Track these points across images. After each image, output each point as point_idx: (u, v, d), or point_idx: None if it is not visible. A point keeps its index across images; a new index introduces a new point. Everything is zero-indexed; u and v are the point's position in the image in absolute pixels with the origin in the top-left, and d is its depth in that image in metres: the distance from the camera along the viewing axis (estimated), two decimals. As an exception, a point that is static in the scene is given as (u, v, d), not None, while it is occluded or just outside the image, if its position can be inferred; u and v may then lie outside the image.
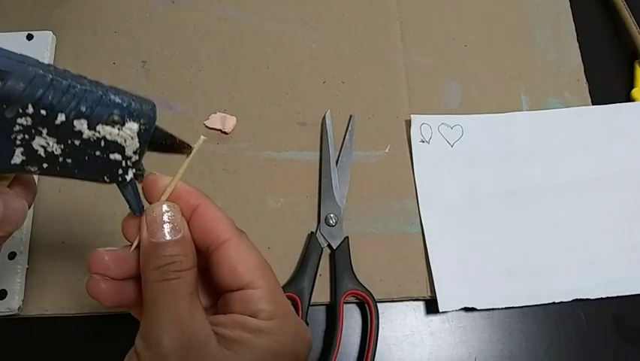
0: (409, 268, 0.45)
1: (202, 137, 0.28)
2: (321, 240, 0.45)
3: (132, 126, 0.25)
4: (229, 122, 0.48)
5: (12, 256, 0.43)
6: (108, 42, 0.51)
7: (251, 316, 0.27)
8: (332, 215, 0.45)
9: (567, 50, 0.53)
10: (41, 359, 0.42)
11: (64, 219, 0.45)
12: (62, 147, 0.24)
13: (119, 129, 0.25)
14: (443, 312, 0.44)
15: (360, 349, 0.43)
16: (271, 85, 0.50)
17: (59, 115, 0.23)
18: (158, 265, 0.26)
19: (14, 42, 0.48)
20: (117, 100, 0.25)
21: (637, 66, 0.53)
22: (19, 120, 0.23)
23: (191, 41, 0.52)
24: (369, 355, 0.42)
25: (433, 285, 0.44)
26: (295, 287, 0.43)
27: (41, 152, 0.24)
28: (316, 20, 0.53)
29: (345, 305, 0.44)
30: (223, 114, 0.49)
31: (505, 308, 0.45)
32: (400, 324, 0.44)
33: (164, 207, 0.27)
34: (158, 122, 0.27)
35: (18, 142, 0.24)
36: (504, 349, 0.44)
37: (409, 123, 0.49)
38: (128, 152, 0.26)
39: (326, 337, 0.44)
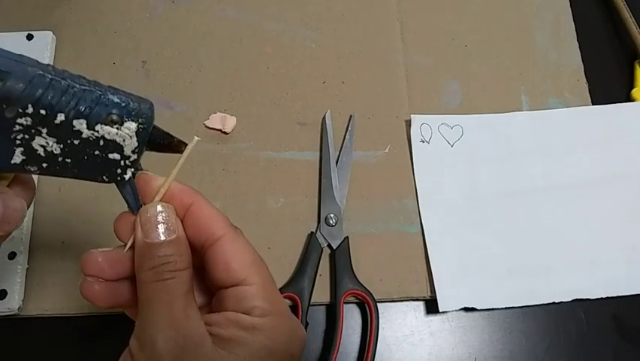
0: (409, 268, 0.45)
1: (195, 137, 0.28)
2: (321, 240, 0.45)
3: (130, 126, 0.25)
4: (229, 122, 0.48)
5: (12, 256, 0.43)
6: (108, 42, 0.51)
7: (245, 313, 0.27)
8: (332, 215, 0.45)
9: (567, 50, 0.53)
10: (41, 359, 0.42)
11: (64, 219, 0.45)
12: (62, 146, 0.25)
13: (117, 129, 0.25)
14: (443, 312, 0.44)
15: (360, 349, 0.43)
16: (271, 85, 0.50)
17: (59, 115, 0.24)
18: (152, 266, 0.26)
19: (14, 42, 0.48)
20: (115, 100, 0.25)
21: (637, 66, 0.53)
22: (18, 120, 0.23)
23: (191, 41, 0.52)
24: (369, 355, 0.42)
25: (433, 285, 0.44)
26: (295, 287, 0.43)
27: (41, 152, 0.24)
28: (316, 20, 0.53)
29: (345, 305, 0.44)
30: (223, 114, 0.49)
31: (505, 308, 0.45)
32: (400, 324, 0.44)
33: (159, 208, 0.27)
34: (159, 122, 0.27)
35: (18, 142, 0.24)
36: (504, 349, 0.44)
37: (409, 123, 0.49)
38: (127, 151, 0.26)
39: (326, 337, 0.44)
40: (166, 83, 0.50)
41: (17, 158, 0.24)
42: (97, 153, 0.25)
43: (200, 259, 0.29)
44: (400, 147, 0.49)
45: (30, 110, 0.23)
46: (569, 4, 0.55)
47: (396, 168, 0.48)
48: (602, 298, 0.45)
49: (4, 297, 0.41)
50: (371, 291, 0.43)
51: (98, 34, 0.51)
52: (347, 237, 0.45)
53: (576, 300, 0.45)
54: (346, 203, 0.46)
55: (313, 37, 0.52)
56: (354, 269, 0.44)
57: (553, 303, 0.45)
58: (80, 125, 0.24)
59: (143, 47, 0.51)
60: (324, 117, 0.49)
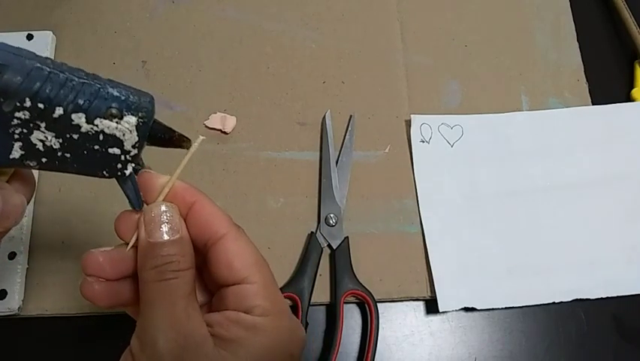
0: (409, 268, 0.45)
1: (201, 137, 0.28)
2: (321, 240, 0.45)
3: (130, 120, 0.25)
4: (229, 122, 0.48)
5: (12, 256, 0.43)
6: (108, 42, 0.51)
7: (245, 312, 0.27)
8: (332, 215, 0.45)
9: (567, 50, 0.53)
10: (41, 359, 0.42)
11: (64, 219, 0.45)
12: (61, 141, 0.24)
13: (117, 123, 0.25)
14: (443, 312, 0.44)
15: (360, 349, 0.43)
16: (271, 85, 0.50)
17: (57, 109, 0.23)
18: (155, 265, 0.26)
19: (14, 42, 0.47)
20: (115, 93, 0.25)
21: (637, 66, 0.53)
22: (16, 114, 0.23)
23: (191, 41, 0.52)
24: (369, 355, 0.42)
25: (433, 285, 0.44)
26: (295, 287, 0.43)
27: (40, 146, 0.24)
28: (316, 20, 0.53)
29: (345, 305, 0.44)
30: (223, 114, 0.49)
31: (505, 308, 0.45)
32: (400, 324, 0.44)
33: (163, 208, 0.27)
34: (158, 122, 0.27)
35: (16, 136, 0.24)
36: (504, 349, 0.44)
37: (409, 123, 0.49)
38: (127, 146, 0.25)
39: (326, 337, 0.44)
40: (166, 83, 0.50)
41: (16, 153, 0.24)
42: (96, 147, 0.25)
43: (201, 258, 0.29)
44: (400, 147, 0.49)
45: (28, 103, 0.23)
46: (569, 4, 0.55)
47: (396, 168, 0.48)
48: (602, 298, 0.45)
49: (4, 297, 0.41)
50: (371, 291, 0.43)
51: (98, 34, 0.51)
52: (347, 237, 0.45)
53: (576, 300, 0.45)
54: (346, 203, 0.46)
55: (313, 37, 0.52)
56: (354, 269, 0.44)
57: (553, 303, 0.44)
58: (79, 119, 0.24)
59: (143, 47, 0.51)
60: (324, 117, 0.49)
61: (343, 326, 0.43)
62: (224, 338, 0.26)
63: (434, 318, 0.45)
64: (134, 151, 0.26)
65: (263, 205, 0.46)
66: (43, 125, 0.24)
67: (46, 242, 0.44)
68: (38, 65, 0.23)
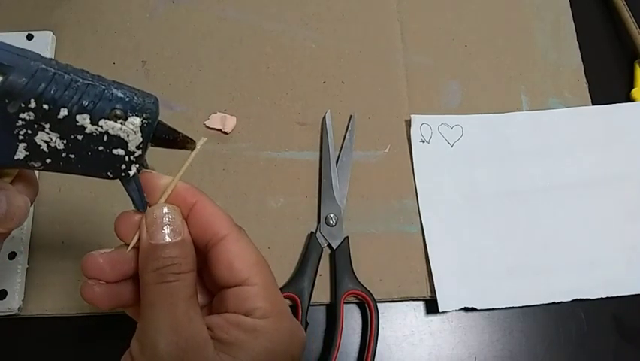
0: (409, 268, 0.45)
1: (203, 138, 0.28)
2: (321, 240, 0.45)
3: (135, 121, 0.25)
4: (229, 122, 0.48)
5: (12, 256, 0.43)
6: (108, 42, 0.51)
7: (246, 314, 0.27)
8: (332, 215, 0.45)
9: (567, 50, 0.53)
10: (41, 359, 0.42)
11: (64, 219, 0.45)
12: (65, 142, 0.24)
13: (121, 124, 0.25)
14: (443, 312, 0.44)
15: (360, 349, 0.43)
16: (271, 85, 0.50)
17: (62, 110, 0.23)
18: (156, 267, 0.26)
19: (14, 42, 0.47)
20: (119, 94, 0.25)
21: (637, 66, 0.53)
22: (21, 115, 0.23)
23: (191, 41, 0.52)
24: (369, 355, 0.42)
25: (433, 285, 0.44)
26: (295, 287, 0.43)
27: (44, 147, 0.24)
28: (316, 20, 0.53)
29: (345, 305, 0.44)
30: (223, 114, 0.49)
31: (505, 308, 0.45)
32: (400, 324, 0.44)
33: (165, 210, 0.27)
34: (159, 122, 0.27)
35: (21, 137, 0.24)
36: (504, 349, 0.44)
37: (409, 123, 0.49)
38: (131, 147, 0.25)
39: (326, 337, 0.44)
40: (166, 83, 0.50)
41: (20, 153, 0.24)
42: (101, 148, 0.25)
43: (201, 259, 0.29)
44: (400, 147, 0.49)
45: (33, 104, 0.23)
46: (569, 4, 0.55)
47: (397, 168, 0.48)
48: (602, 298, 0.45)
49: (4, 297, 0.41)
50: (371, 291, 0.43)
51: (98, 34, 0.51)
52: (347, 237, 0.45)
53: (576, 300, 0.45)
54: (346, 203, 0.46)
55: (313, 37, 0.52)
56: (354, 269, 0.44)
57: (553, 303, 0.44)
58: (84, 120, 0.24)
59: (143, 47, 0.51)
60: (324, 117, 0.49)
61: (343, 326, 0.43)
62: (224, 341, 0.26)
63: (434, 318, 0.45)
64: (138, 152, 0.26)
65: (263, 205, 0.46)
66: (47, 126, 0.24)
67: (46, 242, 0.44)
68: (43, 66, 0.23)
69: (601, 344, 0.44)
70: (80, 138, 0.24)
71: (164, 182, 0.28)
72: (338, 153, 0.48)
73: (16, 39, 0.49)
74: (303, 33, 0.52)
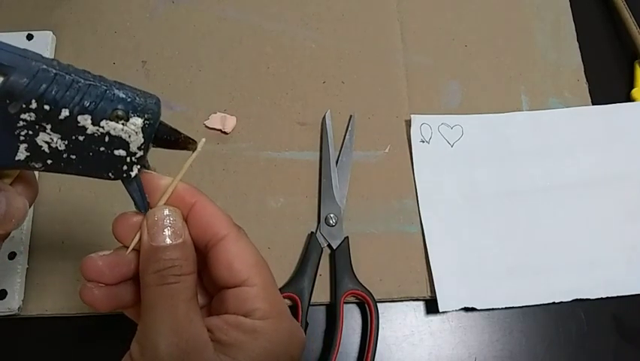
0: (409, 268, 0.45)
1: (203, 139, 0.28)
2: (321, 240, 0.45)
3: (136, 121, 0.25)
4: (229, 122, 0.48)
5: (12, 256, 0.43)
6: (108, 42, 0.51)
7: (245, 315, 0.27)
8: (332, 215, 0.45)
9: (567, 50, 0.54)
10: (41, 359, 0.42)
11: (64, 219, 0.45)
12: (66, 142, 0.24)
13: (123, 125, 0.25)
14: (443, 312, 0.44)
15: (360, 349, 0.43)
16: (271, 85, 0.50)
17: (63, 110, 0.23)
18: (157, 269, 0.26)
19: (14, 42, 0.48)
20: (121, 95, 0.24)
21: (637, 66, 0.53)
22: (22, 116, 0.23)
23: (191, 41, 0.52)
24: (369, 355, 0.42)
25: (433, 285, 0.44)
26: (295, 287, 0.43)
27: (45, 148, 0.24)
28: (316, 20, 0.53)
29: (345, 305, 0.44)
30: (223, 114, 0.49)
31: (505, 308, 0.45)
32: (400, 324, 0.44)
33: (166, 211, 0.27)
34: (159, 122, 0.26)
35: (22, 138, 0.24)
36: (504, 349, 0.44)
37: (409, 123, 0.49)
38: (133, 147, 0.25)
39: (326, 337, 0.44)
40: (166, 83, 0.50)
41: (21, 154, 0.24)
42: (102, 149, 0.25)
43: (201, 260, 0.28)
44: (399, 147, 0.49)
45: (34, 105, 0.23)
46: (569, 4, 0.55)
47: (396, 168, 0.48)
48: (602, 298, 0.45)
49: (4, 297, 0.41)
50: (371, 291, 0.43)
51: (98, 34, 0.51)
52: (347, 237, 0.45)
53: (576, 300, 0.45)
54: (346, 203, 0.46)
55: (313, 37, 0.52)
56: (354, 269, 0.44)
57: (553, 303, 0.45)
58: (85, 120, 0.24)
59: (143, 47, 0.51)
60: (324, 117, 0.49)
61: (343, 326, 0.43)
62: (224, 342, 0.26)
63: (434, 318, 0.45)
64: (140, 153, 0.26)
65: (263, 205, 0.46)
66: (49, 126, 0.24)
67: (46, 242, 0.44)
68: (44, 66, 0.23)
69: (601, 344, 0.44)
70: (81, 138, 0.24)
71: (165, 183, 0.28)
72: (338, 153, 0.48)
73: (16, 39, 0.49)
74: (303, 33, 0.52)
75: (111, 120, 0.24)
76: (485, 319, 0.45)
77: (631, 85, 0.53)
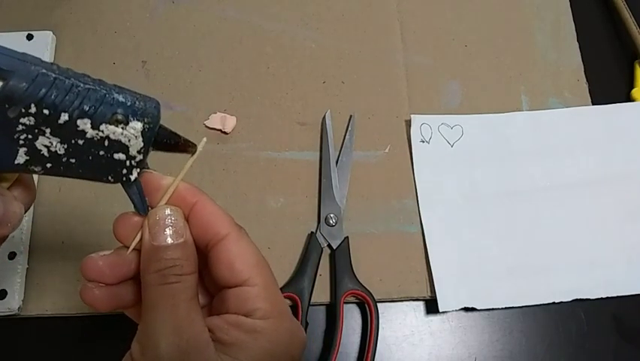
0: (409, 268, 0.45)
1: (204, 139, 0.28)
2: (321, 240, 0.45)
3: (136, 125, 0.25)
4: (229, 122, 0.48)
5: (12, 256, 0.43)
6: (108, 42, 0.51)
7: (246, 314, 0.27)
8: (332, 215, 0.45)
9: (567, 50, 0.53)
10: (41, 359, 0.42)
11: (64, 219, 0.45)
12: (66, 146, 0.24)
13: (122, 128, 0.25)
14: (443, 312, 0.44)
15: (360, 349, 0.43)
16: (271, 85, 0.50)
17: (62, 114, 0.23)
18: (158, 268, 0.26)
19: (14, 42, 0.48)
20: (121, 99, 0.24)
21: (637, 66, 0.53)
22: (22, 120, 0.23)
23: (191, 41, 0.52)
24: (369, 355, 0.42)
25: (433, 285, 0.44)
26: (295, 287, 0.43)
27: (45, 152, 0.24)
28: (316, 20, 0.53)
29: (345, 305, 0.44)
30: (223, 114, 0.49)
31: (505, 308, 0.45)
32: (400, 324, 0.44)
33: (167, 211, 0.27)
34: (159, 122, 0.26)
35: (21, 142, 0.24)
36: (504, 349, 0.44)
37: (409, 123, 0.49)
38: (132, 151, 0.25)
39: (326, 337, 0.44)
40: (166, 83, 0.50)
41: (21, 158, 0.24)
42: (102, 153, 0.25)
43: (202, 259, 0.28)
44: (399, 147, 0.49)
45: (33, 109, 0.23)
46: (568, 4, 0.55)
47: (396, 168, 0.48)
48: (602, 298, 0.45)
49: (4, 297, 0.41)
50: (371, 291, 0.43)
51: (98, 34, 0.51)
52: (347, 237, 0.45)
53: (576, 300, 0.45)
54: (346, 203, 0.46)
55: (313, 37, 0.52)
56: (354, 269, 0.44)
57: (553, 303, 0.45)
58: (85, 125, 0.24)
59: (143, 47, 0.51)
60: (324, 117, 0.49)
61: (343, 326, 0.43)
62: (224, 342, 0.26)
63: (434, 318, 0.45)
64: (140, 157, 0.26)
65: (263, 205, 0.46)
66: (48, 130, 0.24)
67: (46, 242, 0.44)
68: (44, 70, 0.23)
69: (601, 344, 0.44)
70: (80, 142, 0.24)
71: (166, 183, 0.28)
72: (338, 153, 0.48)
73: (16, 39, 0.49)
74: (303, 33, 0.52)
75: (111, 124, 0.24)
76: (485, 319, 0.45)
77: (631, 85, 0.53)
